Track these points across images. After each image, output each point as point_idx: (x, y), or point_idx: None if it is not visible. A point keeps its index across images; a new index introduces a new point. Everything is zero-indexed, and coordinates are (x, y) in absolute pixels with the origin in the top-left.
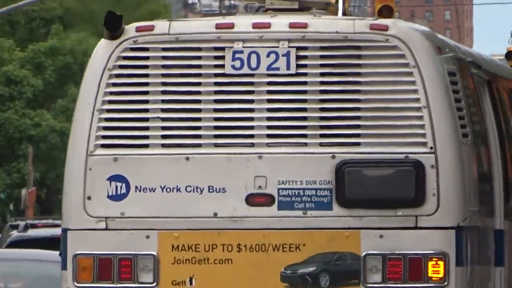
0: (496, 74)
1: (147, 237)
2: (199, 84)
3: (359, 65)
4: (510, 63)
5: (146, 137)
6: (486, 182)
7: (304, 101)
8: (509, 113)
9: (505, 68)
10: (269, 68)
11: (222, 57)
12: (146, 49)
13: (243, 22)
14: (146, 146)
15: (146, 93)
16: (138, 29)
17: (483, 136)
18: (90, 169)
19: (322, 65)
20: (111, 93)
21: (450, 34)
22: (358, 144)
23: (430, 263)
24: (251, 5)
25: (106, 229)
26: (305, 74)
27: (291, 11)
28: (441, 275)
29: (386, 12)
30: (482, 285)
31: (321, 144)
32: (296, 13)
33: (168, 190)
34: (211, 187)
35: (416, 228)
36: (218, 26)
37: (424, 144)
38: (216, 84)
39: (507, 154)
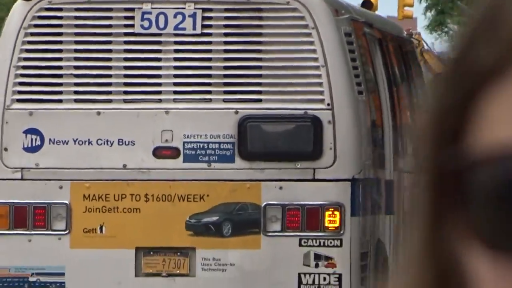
0: (386, 32)
1: (60, 187)
2: (110, 42)
3: (260, 26)
4: None
5: (60, 92)
6: (379, 136)
7: (209, 59)
8: (396, 69)
9: (393, 25)
10: (176, 28)
11: (132, 18)
12: (60, 9)
13: None
14: (59, 101)
15: (60, 51)
16: None
17: (375, 92)
18: (6, 123)
19: (226, 26)
20: (27, 51)
21: None
22: (259, 100)
23: (327, 213)
24: None
25: (22, 179)
26: (210, 34)
27: None
28: (337, 224)
29: None
30: (374, 232)
31: (225, 100)
32: None
33: (80, 143)
34: (120, 140)
35: (314, 180)
36: None
37: (322, 101)
38: (126, 42)
39: (395, 110)
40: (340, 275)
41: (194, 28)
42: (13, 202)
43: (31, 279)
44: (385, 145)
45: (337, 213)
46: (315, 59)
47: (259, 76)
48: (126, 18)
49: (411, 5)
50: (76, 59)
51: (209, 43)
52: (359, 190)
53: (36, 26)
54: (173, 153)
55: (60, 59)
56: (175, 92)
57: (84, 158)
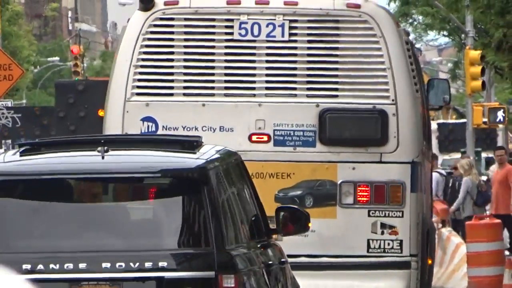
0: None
1: None
2: (213, 47)
3: (337, 35)
4: None
5: (172, 87)
6: (424, 127)
7: (295, 62)
8: (416, 69)
9: None
10: (267, 36)
11: (231, 27)
12: (172, 19)
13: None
14: (171, 94)
15: (172, 53)
16: (165, 3)
17: (421, 90)
18: (127, 112)
19: (309, 34)
20: (144, 53)
21: None
22: (336, 96)
23: (391, 189)
24: None
25: None
26: (295, 41)
27: None
28: (399, 199)
29: None
30: (422, 207)
31: (308, 96)
32: None
33: (188, 129)
34: (222, 127)
35: (380, 162)
36: (228, 2)
37: (387, 97)
38: (226, 47)
39: (424, 105)
40: (401, 241)
41: (283, 36)
42: None
43: None
44: (424, 135)
45: (399, 189)
46: (382, 63)
47: (336, 76)
48: (227, 27)
49: None
50: (185, 60)
51: (295, 48)
52: (416, 171)
53: (152, 32)
54: (265, 138)
55: (172, 60)
56: (267, 88)
57: None
